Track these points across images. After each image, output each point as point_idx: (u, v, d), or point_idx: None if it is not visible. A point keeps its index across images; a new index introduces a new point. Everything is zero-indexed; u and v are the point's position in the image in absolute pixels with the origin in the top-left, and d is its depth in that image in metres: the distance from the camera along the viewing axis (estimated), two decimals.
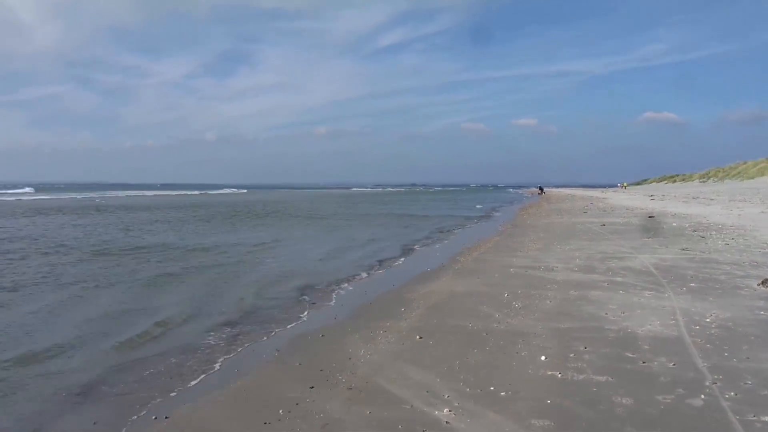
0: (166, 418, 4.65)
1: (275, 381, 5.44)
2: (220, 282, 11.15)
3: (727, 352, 5.26)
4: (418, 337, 6.58)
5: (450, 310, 7.93)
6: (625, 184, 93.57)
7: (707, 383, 4.52)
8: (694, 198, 39.63)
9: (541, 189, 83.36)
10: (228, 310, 8.69)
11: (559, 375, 4.94)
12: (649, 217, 23.46)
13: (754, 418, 3.84)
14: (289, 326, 7.75)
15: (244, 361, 6.27)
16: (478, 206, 47.26)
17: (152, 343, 6.97)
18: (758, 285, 8.27)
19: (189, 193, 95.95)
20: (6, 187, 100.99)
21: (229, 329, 7.59)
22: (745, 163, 73.94)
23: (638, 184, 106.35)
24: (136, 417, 4.74)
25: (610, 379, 4.75)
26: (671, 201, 36.83)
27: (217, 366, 6.08)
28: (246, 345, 6.90)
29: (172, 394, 5.26)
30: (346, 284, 10.85)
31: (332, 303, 9.27)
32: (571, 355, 5.48)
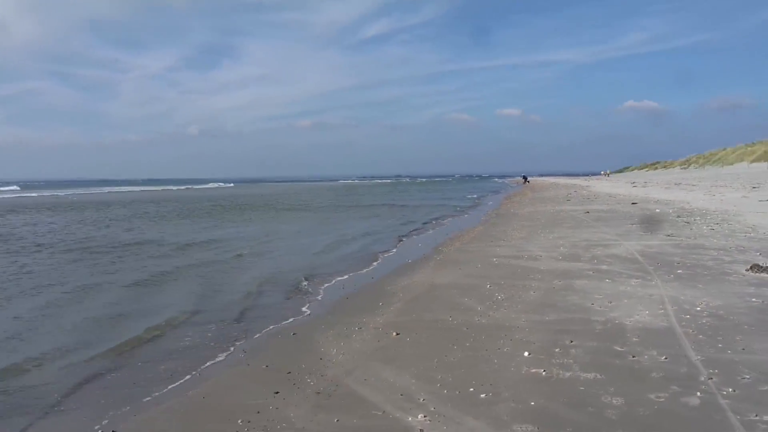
0: None
1: (238, 386, 4.99)
2: (197, 281, 10.48)
3: (721, 344, 4.93)
4: (394, 333, 6.18)
5: (430, 303, 7.55)
6: (608, 172, 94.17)
7: (702, 379, 4.17)
8: (676, 184, 39.81)
9: (525, 178, 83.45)
10: (202, 309, 8.18)
11: (544, 373, 4.57)
12: (633, 203, 23.35)
13: (756, 418, 3.50)
14: (260, 325, 7.28)
15: (209, 365, 5.78)
16: (466, 196, 47.40)
17: (119, 352, 6.38)
18: (746, 270, 8.01)
19: (174, 188, 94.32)
20: None
21: (198, 330, 7.09)
22: (724, 149, 74.71)
23: (620, 171, 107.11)
24: None
25: (598, 376, 4.39)
26: (653, 187, 36.92)
27: (180, 371, 5.60)
28: (212, 346, 6.43)
29: (126, 408, 4.72)
30: (326, 277, 10.38)
31: (309, 298, 8.83)
32: (557, 350, 5.12)
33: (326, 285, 9.78)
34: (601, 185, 48.45)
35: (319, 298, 8.80)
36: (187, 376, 5.44)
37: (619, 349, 5.00)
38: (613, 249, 10.99)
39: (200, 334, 6.95)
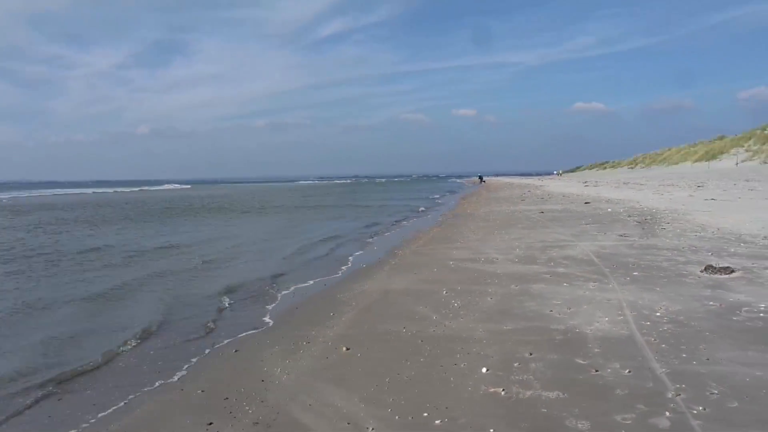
0: None
1: (167, 418, 4.43)
2: (147, 295, 9.55)
3: (685, 353, 4.72)
4: (344, 348, 5.73)
5: (383, 312, 7.14)
6: (560, 172, 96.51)
7: (670, 395, 3.91)
8: (624, 183, 40.98)
9: (481, 178, 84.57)
10: (144, 326, 7.32)
11: (503, 392, 4.22)
12: (585, 203, 23.69)
13: None
14: (204, 341, 6.66)
15: (141, 393, 5.14)
16: (427, 196, 47.82)
17: (45, 378, 5.64)
18: (701, 272, 7.97)
19: (127, 190, 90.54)
20: None
21: (136, 353, 6.40)
22: (669, 149, 77.92)
23: (572, 171, 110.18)
24: None
25: (561, 395, 4.07)
26: (604, 187, 37.83)
27: (105, 402, 4.95)
28: (145, 370, 5.80)
29: None
30: (283, 285, 9.79)
31: (256, 308, 8.26)
32: (516, 364, 4.80)
33: (282, 293, 9.21)
34: (554, 185, 49.43)
35: (270, 308, 8.25)
36: (112, 408, 4.81)
37: (581, 362, 4.72)
38: (568, 250, 10.88)
39: (138, 356, 6.27)
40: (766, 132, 54.87)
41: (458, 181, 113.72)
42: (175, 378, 5.45)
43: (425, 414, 3.98)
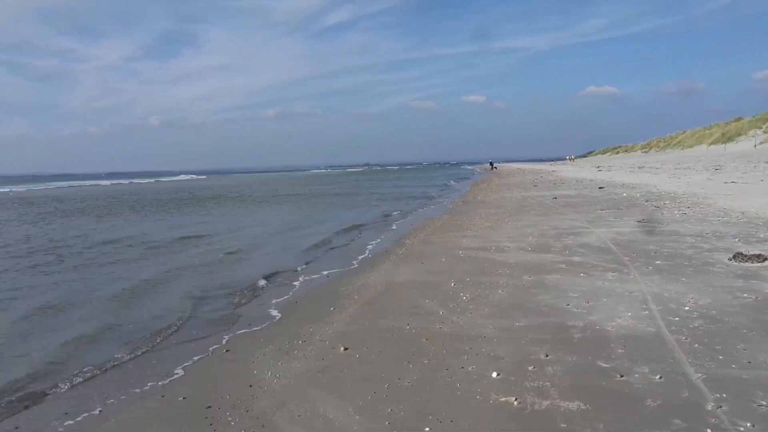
0: None
1: (141, 428, 4.00)
2: (170, 286, 9.29)
3: (722, 355, 4.18)
4: (342, 348, 5.26)
5: (386, 306, 6.65)
6: (572, 157, 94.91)
7: (709, 407, 3.39)
8: (639, 167, 39.97)
9: (492, 164, 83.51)
10: (153, 323, 6.98)
11: (516, 402, 3.72)
12: (600, 188, 22.97)
13: None
14: (202, 341, 6.18)
15: (122, 398, 4.71)
16: (441, 183, 47.63)
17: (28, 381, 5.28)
18: (729, 260, 7.38)
19: (143, 181, 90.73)
20: None
21: (136, 351, 5.99)
22: (684, 132, 76.23)
23: (584, 156, 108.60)
24: None
25: (582, 405, 3.56)
26: (618, 171, 36.91)
27: (81, 407, 4.55)
28: (131, 369, 5.39)
29: None
30: (278, 278, 9.35)
31: (254, 304, 7.84)
32: (531, 367, 4.29)
33: (278, 285, 8.79)
34: (567, 170, 48.46)
35: (264, 303, 7.80)
36: (83, 416, 4.39)
37: (603, 365, 4.20)
38: (584, 237, 10.31)
39: (136, 356, 5.84)
40: None
41: (469, 167, 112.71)
42: (160, 383, 5.02)
43: (427, 429, 3.49)
